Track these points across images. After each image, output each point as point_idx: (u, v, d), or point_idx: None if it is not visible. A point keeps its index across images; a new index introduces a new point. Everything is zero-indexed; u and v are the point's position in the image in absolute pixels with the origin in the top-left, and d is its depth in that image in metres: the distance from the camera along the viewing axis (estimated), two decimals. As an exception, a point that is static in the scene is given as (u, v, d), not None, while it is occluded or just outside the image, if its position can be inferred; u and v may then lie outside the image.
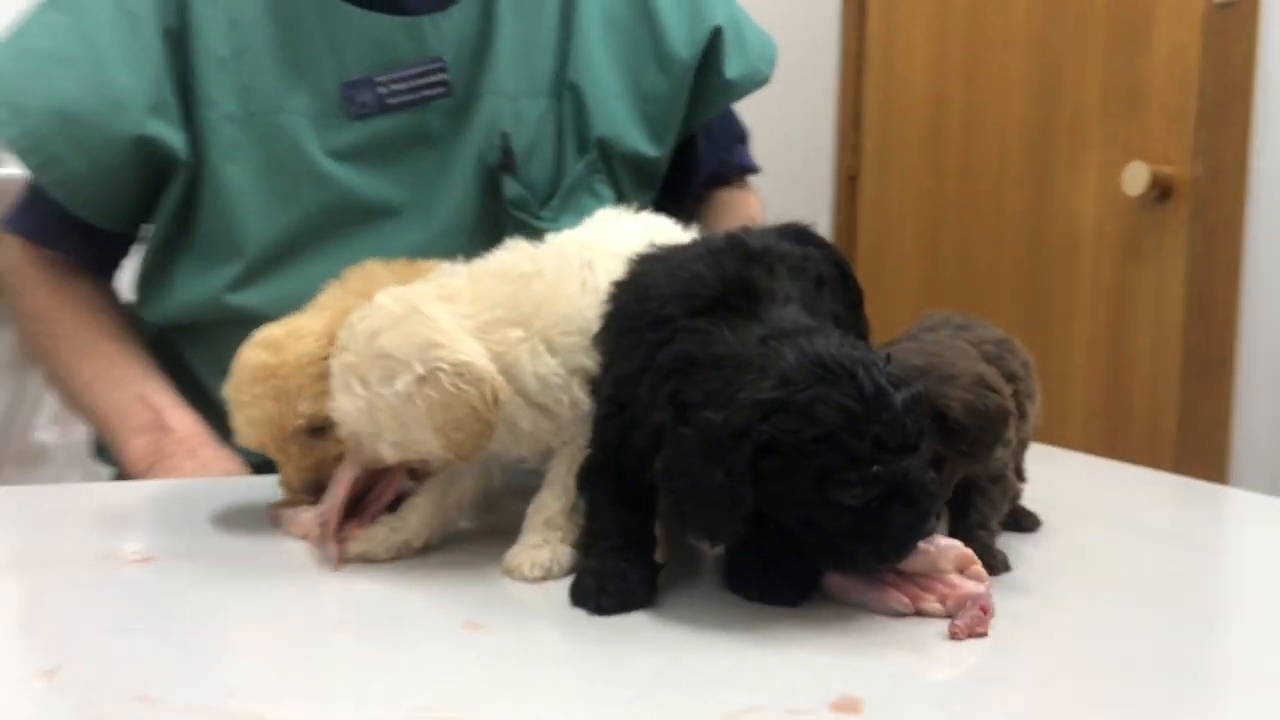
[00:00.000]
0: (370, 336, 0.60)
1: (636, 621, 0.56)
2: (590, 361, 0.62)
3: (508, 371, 0.60)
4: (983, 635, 0.52)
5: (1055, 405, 2.00)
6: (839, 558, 0.55)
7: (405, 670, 0.49)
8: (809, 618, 0.55)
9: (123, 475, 0.98)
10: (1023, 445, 0.79)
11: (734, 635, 0.54)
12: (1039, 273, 2.06)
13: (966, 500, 0.70)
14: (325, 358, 0.65)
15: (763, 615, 0.56)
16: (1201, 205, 1.74)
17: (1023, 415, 0.76)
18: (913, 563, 0.55)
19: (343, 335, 0.62)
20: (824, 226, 2.73)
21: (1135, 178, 1.79)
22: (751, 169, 1.26)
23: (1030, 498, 0.77)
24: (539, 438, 0.64)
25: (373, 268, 0.78)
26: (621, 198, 1.10)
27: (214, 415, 0.92)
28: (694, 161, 1.17)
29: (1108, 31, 1.91)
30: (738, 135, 1.25)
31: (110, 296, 1.08)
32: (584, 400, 0.63)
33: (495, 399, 0.59)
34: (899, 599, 0.55)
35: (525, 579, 0.62)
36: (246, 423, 0.69)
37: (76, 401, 1.03)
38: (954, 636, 0.52)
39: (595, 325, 0.63)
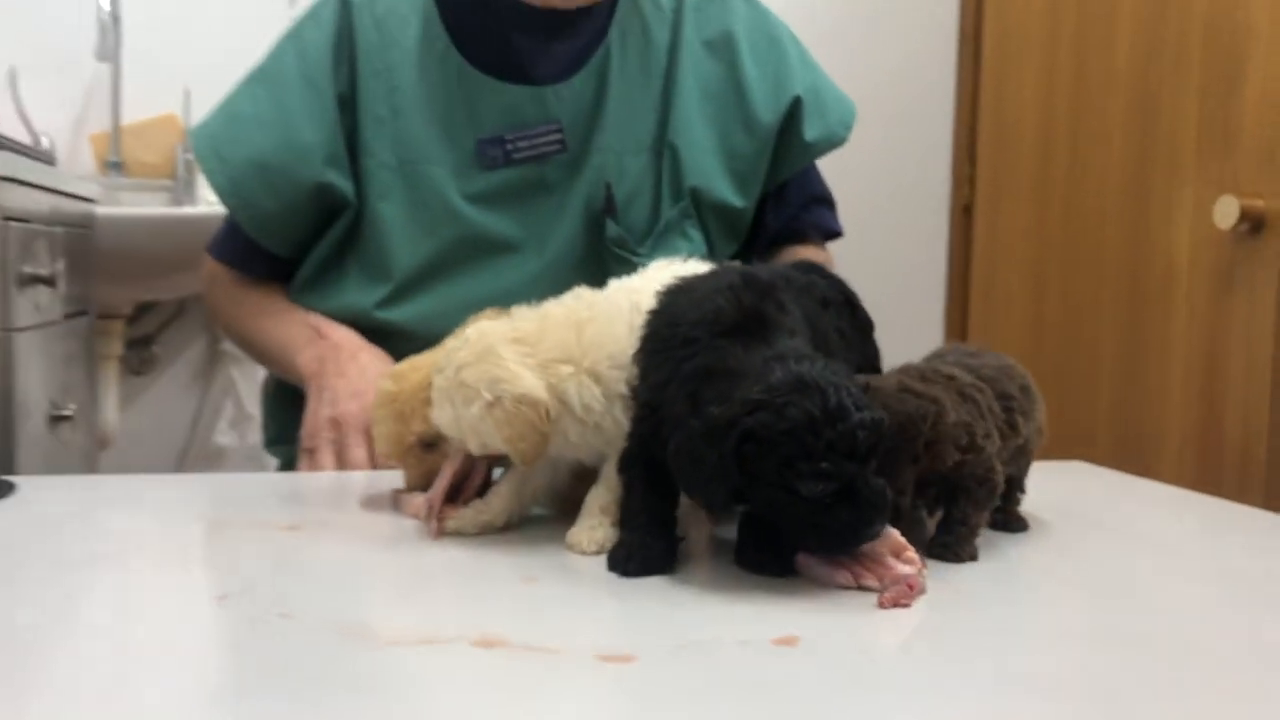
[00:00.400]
0: (457, 369, 0.78)
1: (654, 581, 0.72)
2: (625, 389, 0.79)
3: (560, 398, 0.77)
4: (905, 607, 0.66)
5: (1152, 432, 2.07)
6: (800, 541, 0.70)
7: (478, 606, 0.67)
8: (779, 585, 0.70)
9: (297, 393, 1.18)
10: (1020, 455, 0.91)
11: (718, 591, 0.69)
12: (1137, 303, 2.12)
13: (952, 498, 0.83)
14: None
15: (746, 581, 0.71)
16: (1291, 239, 1.80)
17: (1013, 428, 0.88)
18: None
19: (442, 359, 0.81)
20: (940, 254, 2.84)
21: (1226, 212, 1.85)
22: (829, 230, 1.38)
23: (1042, 505, 0.90)
24: (588, 447, 0.80)
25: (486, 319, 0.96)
26: (709, 241, 1.26)
27: None
28: (763, 217, 1.31)
29: (1202, 71, 1.98)
30: (818, 197, 1.37)
31: (281, 291, 1.29)
32: (624, 419, 0.79)
33: (547, 419, 0.76)
34: (845, 575, 0.69)
35: (582, 552, 0.78)
36: (377, 438, 0.88)
37: (259, 349, 1.26)
38: (880, 605, 0.66)
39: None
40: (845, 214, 3.03)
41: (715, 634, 0.62)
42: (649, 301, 0.82)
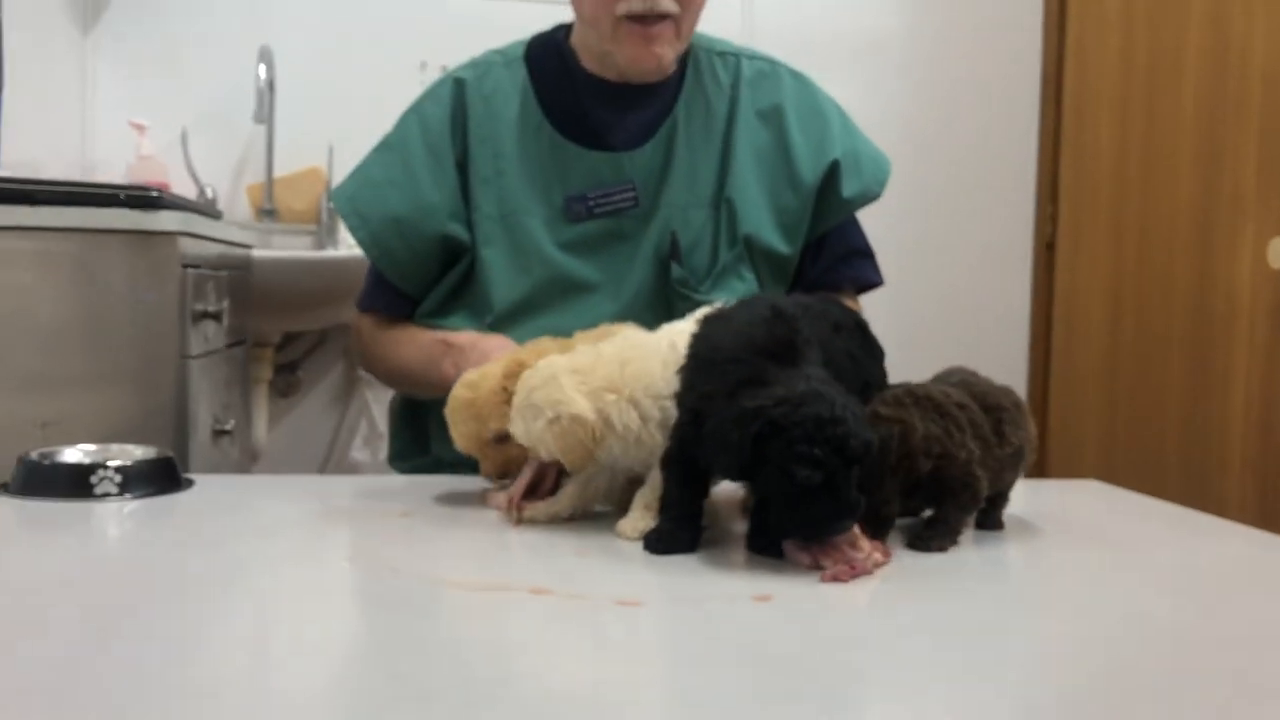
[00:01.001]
0: (529, 390, 0.99)
1: (678, 558, 0.92)
2: (659, 413, 0.98)
3: (605, 420, 0.98)
4: (843, 582, 0.84)
5: (1216, 458, 2.17)
6: (783, 525, 0.88)
7: (536, 568, 0.89)
8: (766, 561, 0.90)
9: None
10: (1006, 465, 1.05)
11: (719, 565, 0.89)
12: (1203, 335, 2.23)
13: (939, 499, 1.00)
14: (504, 389, 1.05)
15: (741, 558, 0.91)
16: (1340, 277, 1.90)
17: (1003, 437, 1.03)
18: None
19: (519, 384, 1.02)
20: (1025, 287, 2.96)
21: (1277, 252, 1.95)
22: (865, 282, 1.52)
23: (1039, 515, 1.07)
24: (631, 458, 1.00)
25: (543, 341, 1.17)
26: (760, 282, 1.45)
27: None
28: (804, 265, 1.48)
29: (1261, 117, 2.08)
30: (856, 250, 1.51)
31: (411, 325, 1.48)
32: (659, 436, 0.98)
33: (594, 436, 0.97)
34: (808, 558, 0.87)
35: (628, 539, 0.98)
36: (458, 435, 1.10)
37: (404, 377, 1.45)
38: (821, 579, 0.84)
39: (670, 388, 0.97)
40: (938, 249, 3.23)
41: (709, 591, 0.82)
42: (684, 342, 1.01)
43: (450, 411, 1.09)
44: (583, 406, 0.97)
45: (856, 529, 0.88)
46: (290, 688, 0.64)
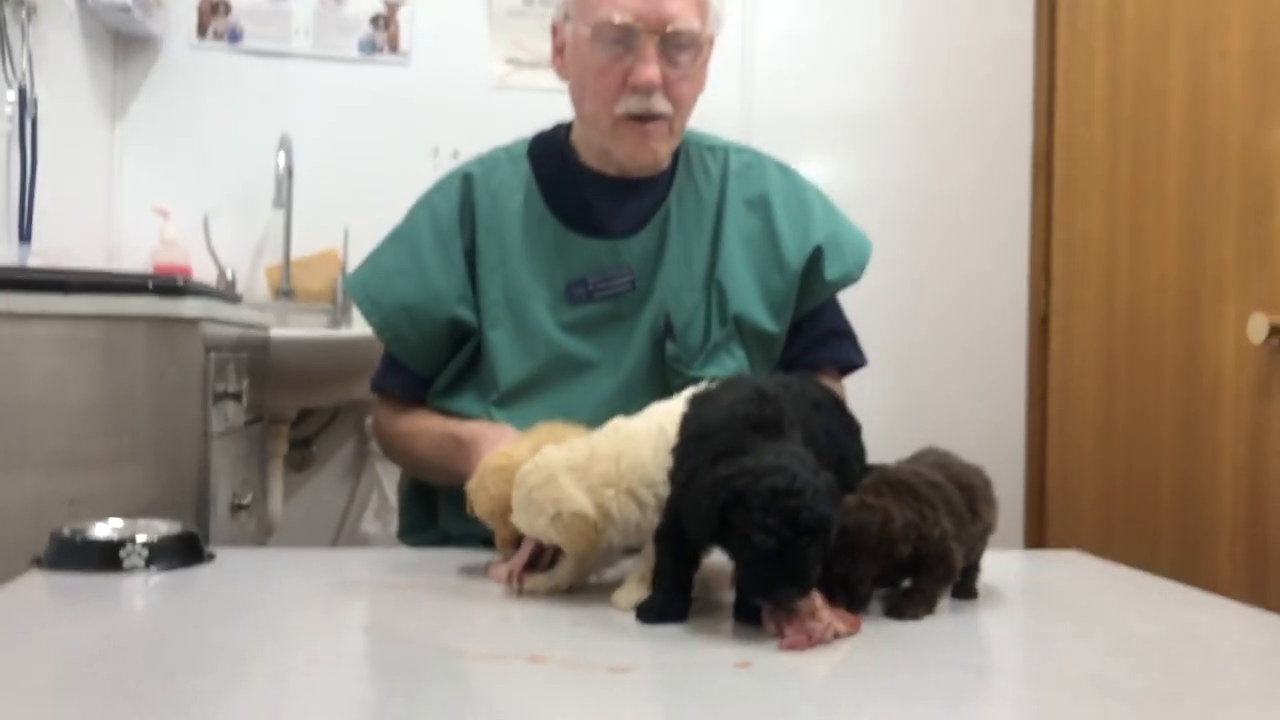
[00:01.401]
0: (529, 489, 1.06)
1: (668, 627, 0.98)
2: (654, 499, 1.04)
3: (605, 513, 1.04)
4: (799, 650, 0.89)
5: (1206, 526, 2.22)
6: (743, 584, 0.94)
7: (534, 637, 0.95)
8: (750, 632, 0.96)
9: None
10: (979, 538, 1.12)
11: (705, 634, 0.96)
12: (1192, 408, 2.29)
13: (917, 572, 1.06)
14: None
15: (723, 626, 0.97)
16: (1317, 352, 1.96)
17: (976, 514, 1.10)
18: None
19: (517, 480, 1.08)
20: (1021, 362, 3.04)
21: (1257, 328, 2.02)
22: (845, 362, 1.59)
23: (1014, 584, 1.13)
24: (631, 540, 1.07)
25: (551, 426, 1.25)
26: (750, 359, 1.53)
27: None
28: (788, 345, 1.55)
29: (1239, 198, 2.17)
30: (837, 331, 1.59)
31: (424, 407, 1.55)
32: (655, 518, 1.04)
33: (595, 530, 1.04)
34: (773, 626, 0.93)
35: (621, 610, 1.05)
36: (483, 499, 1.14)
37: (422, 468, 1.52)
38: (779, 647, 0.90)
39: (662, 473, 1.04)
40: (937, 325, 3.30)
41: (694, 658, 0.89)
42: (672, 424, 1.08)
43: (480, 475, 1.15)
44: (583, 504, 1.03)
45: (819, 600, 0.94)
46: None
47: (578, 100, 1.51)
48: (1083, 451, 2.73)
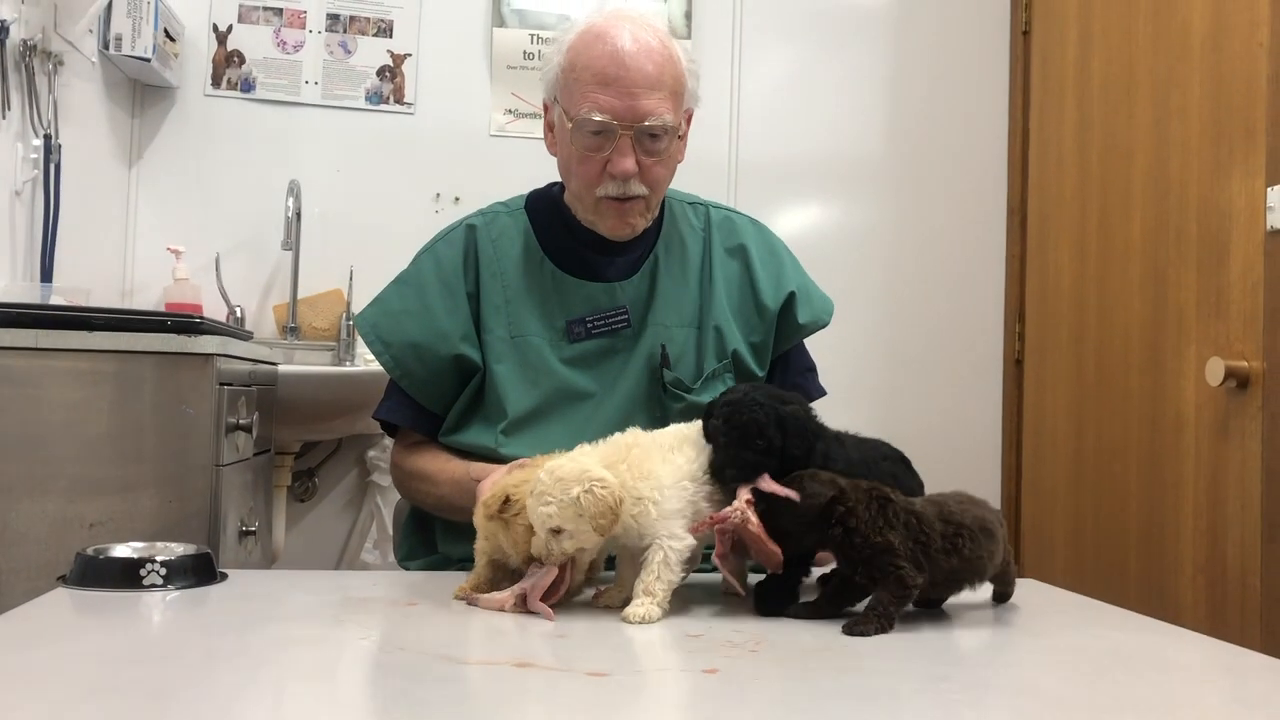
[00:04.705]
0: (553, 471, 1.15)
1: (642, 637, 1.08)
2: (658, 495, 1.17)
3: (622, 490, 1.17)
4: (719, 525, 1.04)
5: (1170, 561, 2.32)
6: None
7: (527, 645, 1.05)
8: (719, 641, 1.06)
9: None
10: (945, 573, 1.22)
11: (677, 643, 1.06)
12: (1157, 447, 2.39)
13: (871, 582, 1.16)
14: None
15: (702, 640, 1.07)
16: (1270, 395, 2.07)
17: (954, 549, 1.18)
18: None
19: (537, 481, 1.17)
20: (995, 401, 3.15)
21: (1214, 371, 2.12)
22: (813, 396, 1.71)
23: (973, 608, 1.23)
24: (634, 534, 1.18)
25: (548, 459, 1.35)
26: (739, 387, 1.65)
27: None
28: (770, 379, 1.69)
29: (1198, 246, 2.28)
30: (808, 368, 1.75)
31: (436, 444, 1.66)
32: (655, 517, 1.16)
33: (619, 501, 1.15)
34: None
35: (631, 623, 1.14)
36: (505, 484, 1.24)
37: (439, 504, 1.61)
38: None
39: (666, 479, 1.19)
40: (915, 366, 3.42)
41: (667, 664, 0.99)
42: (679, 444, 1.23)
43: (478, 505, 1.27)
44: (608, 473, 1.16)
45: (745, 496, 1.16)
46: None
47: (565, 176, 1.65)
48: (1056, 488, 2.84)
